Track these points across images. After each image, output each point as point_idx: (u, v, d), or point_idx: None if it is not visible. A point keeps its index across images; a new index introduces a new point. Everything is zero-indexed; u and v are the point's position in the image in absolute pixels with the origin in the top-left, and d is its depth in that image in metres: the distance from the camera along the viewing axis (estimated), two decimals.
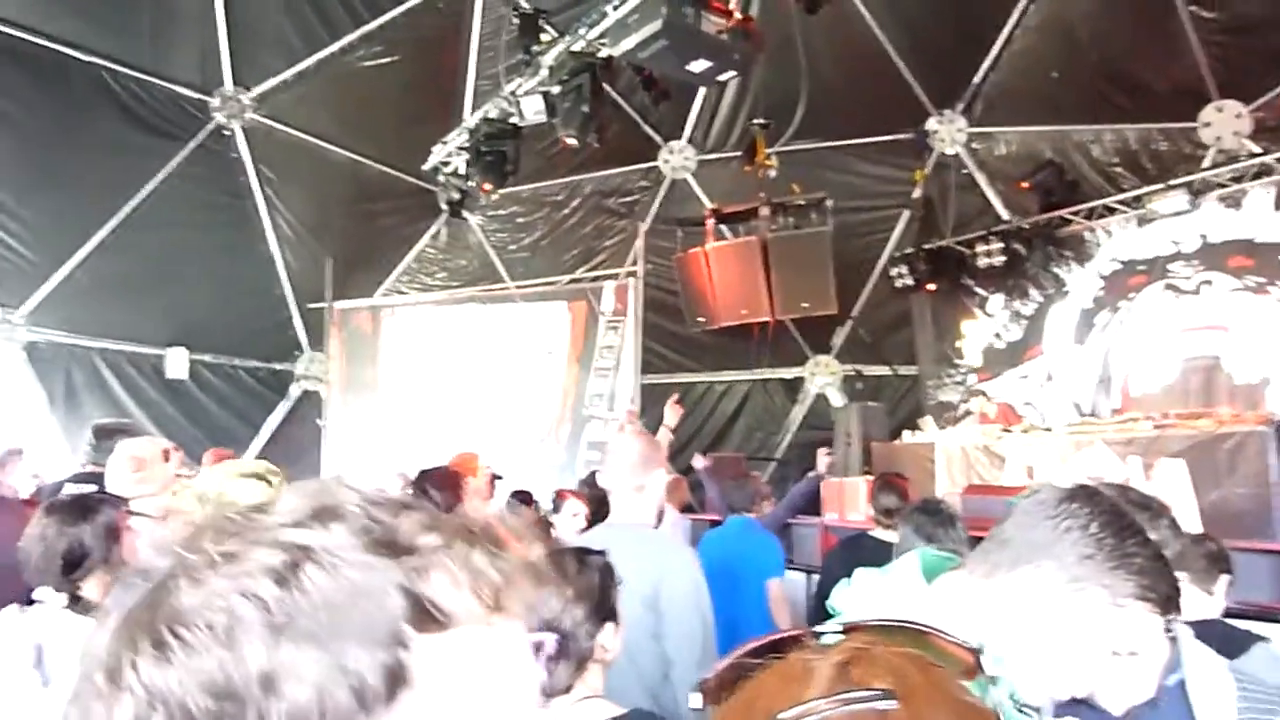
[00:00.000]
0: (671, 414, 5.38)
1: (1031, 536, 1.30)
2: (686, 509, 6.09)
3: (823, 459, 7.75)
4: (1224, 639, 2.04)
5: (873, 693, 0.61)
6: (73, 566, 2.29)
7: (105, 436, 4.25)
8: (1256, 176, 8.65)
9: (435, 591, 0.57)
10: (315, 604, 0.53)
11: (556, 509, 4.27)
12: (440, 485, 3.96)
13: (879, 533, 4.37)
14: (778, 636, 0.74)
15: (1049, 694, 1.28)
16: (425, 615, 0.55)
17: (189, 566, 0.55)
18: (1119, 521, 1.28)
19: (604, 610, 1.98)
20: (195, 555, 0.56)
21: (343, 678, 0.51)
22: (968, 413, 10.35)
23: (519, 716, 0.61)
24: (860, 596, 1.47)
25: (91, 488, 3.87)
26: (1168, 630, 1.26)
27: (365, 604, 0.54)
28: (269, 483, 2.41)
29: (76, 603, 2.36)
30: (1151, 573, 1.25)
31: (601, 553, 2.14)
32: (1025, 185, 9.96)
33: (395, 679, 0.53)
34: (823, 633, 0.77)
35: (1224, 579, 2.79)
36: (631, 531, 2.82)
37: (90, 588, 2.40)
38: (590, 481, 5.75)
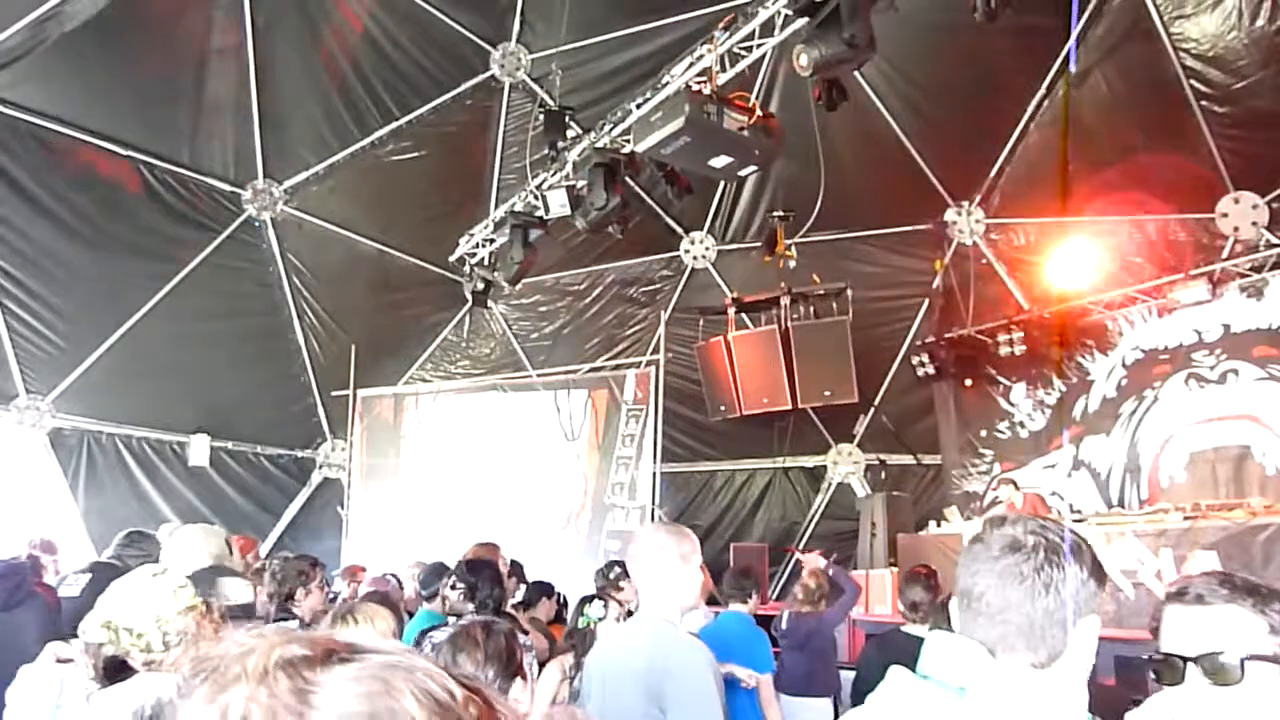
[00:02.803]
0: None
1: (1066, 595, 1.37)
2: (711, 601, 5.97)
3: (810, 558, 7.06)
4: None
5: None
6: (115, 671, 2.24)
7: (134, 537, 4.28)
8: (1276, 266, 8.69)
9: None
10: None
11: (601, 617, 4.18)
12: (492, 581, 4.03)
13: (910, 628, 4.28)
14: None
15: None
16: None
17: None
18: (1079, 550, 1.41)
19: (512, 668, 2.26)
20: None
21: None
22: (995, 502, 10.20)
23: None
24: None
25: (87, 575, 3.88)
26: None
27: None
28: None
29: None
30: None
31: (505, 618, 2.37)
32: None
33: None
34: None
35: None
36: (647, 625, 2.72)
37: None
38: (605, 572, 5.64)
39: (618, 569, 5.32)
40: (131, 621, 2.15)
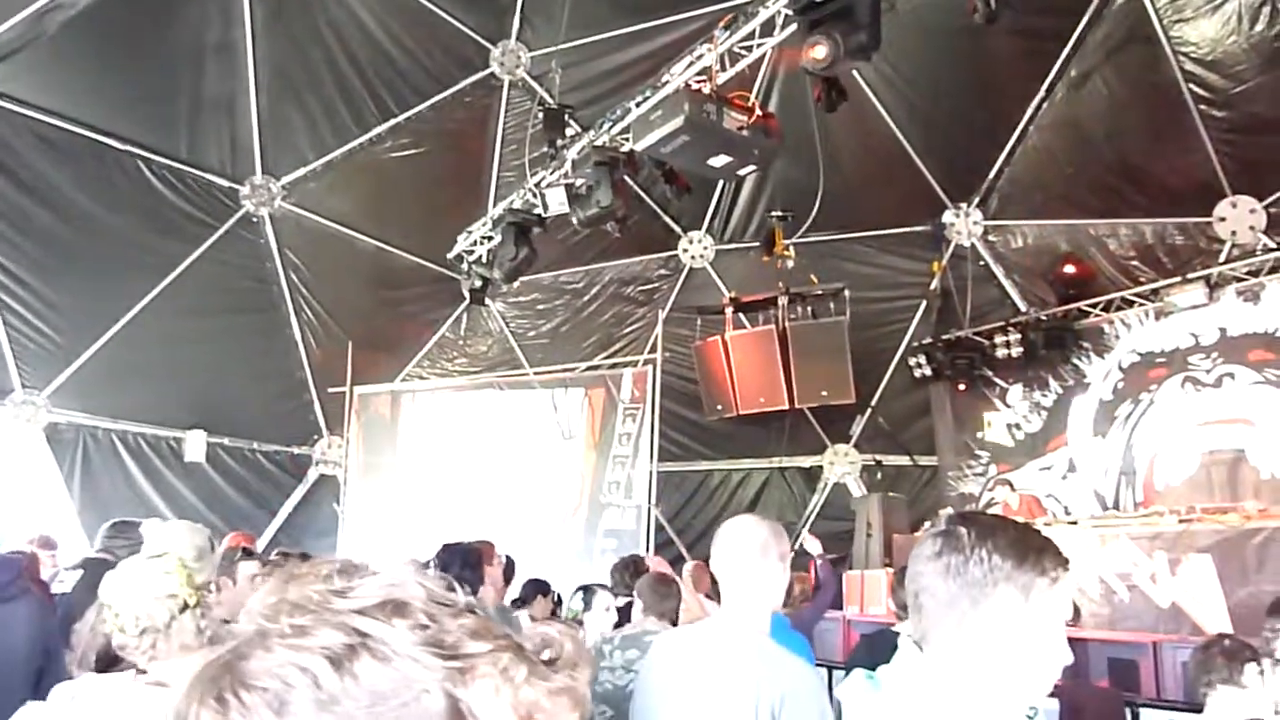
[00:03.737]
0: None
1: (967, 579, 1.37)
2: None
3: (810, 541, 7.24)
4: None
5: None
6: (109, 663, 2.23)
7: (119, 527, 4.26)
8: (1273, 271, 8.71)
9: (475, 697, 0.59)
10: (362, 689, 0.56)
11: (588, 605, 4.16)
12: (465, 562, 3.97)
13: (901, 627, 4.28)
14: None
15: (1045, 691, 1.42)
16: (459, 717, 0.58)
17: (265, 634, 0.60)
18: (993, 531, 1.40)
19: None
20: (273, 625, 0.60)
21: None
22: (990, 503, 10.22)
23: None
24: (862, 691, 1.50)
25: (79, 572, 3.87)
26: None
27: (406, 697, 0.57)
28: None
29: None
30: (1041, 543, 1.40)
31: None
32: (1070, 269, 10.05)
33: None
34: None
35: (1250, 667, 2.78)
36: (749, 642, 2.34)
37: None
38: (622, 567, 5.61)
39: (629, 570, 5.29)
40: (112, 599, 2.12)
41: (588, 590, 4.28)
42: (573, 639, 0.69)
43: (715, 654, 2.33)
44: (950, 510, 10.05)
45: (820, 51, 5.84)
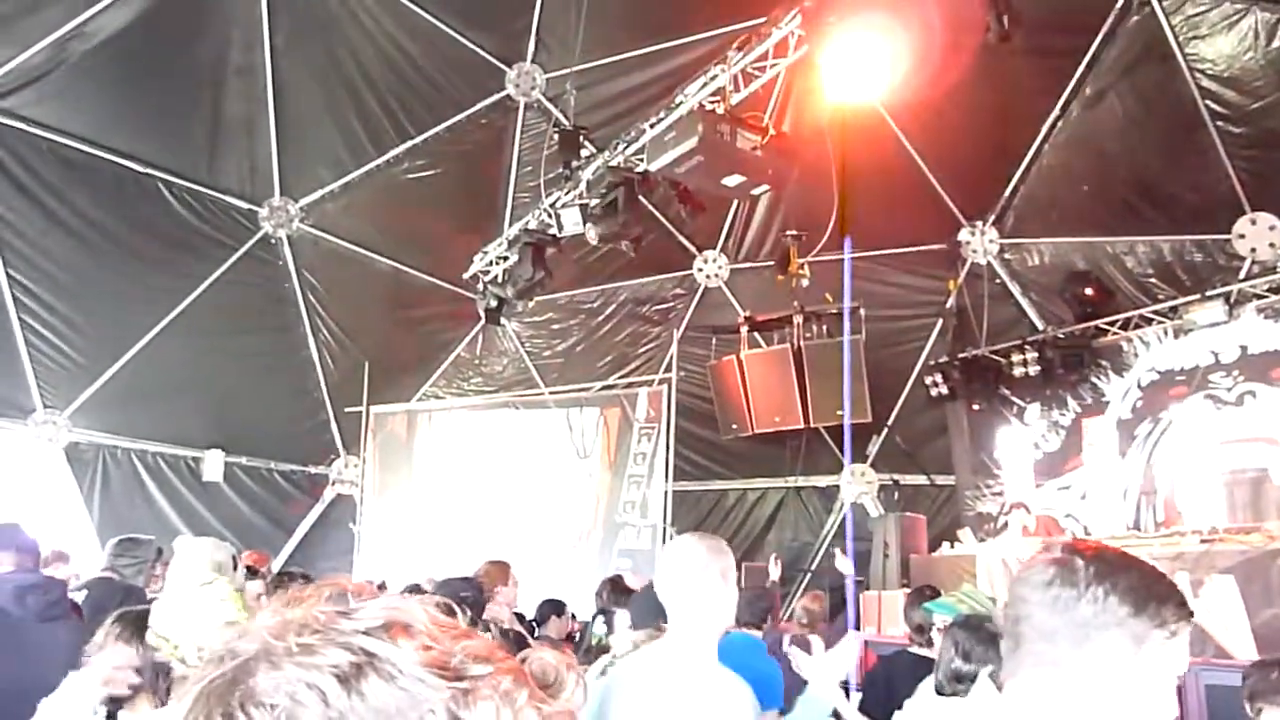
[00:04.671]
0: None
1: (1075, 617, 1.29)
2: None
3: (843, 561, 7.27)
4: None
5: None
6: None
7: (123, 544, 4.28)
8: None
9: (477, 718, 0.61)
10: (369, 707, 0.58)
11: (611, 629, 4.11)
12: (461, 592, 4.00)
13: (917, 649, 4.25)
14: None
15: None
16: None
17: (271, 651, 0.60)
18: (1114, 570, 1.30)
19: None
20: (279, 643, 0.61)
21: None
22: (1006, 525, 10.13)
23: None
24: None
25: (82, 593, 3.89)
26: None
27: (412, 717, 0.59)
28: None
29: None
30: (1165, 592, 1.30)
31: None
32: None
33: None
34: None
35: None
36: (691, 668, 2.30)
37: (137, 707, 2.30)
38: (613, 583, 5.62)
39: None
40: (169, 630, 2.11)
41: (609, 614, 4.26)
42: (570, 666, 0.69)
43: (662, 680, 2.27)
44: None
45: None
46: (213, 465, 11.05)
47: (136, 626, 2.27)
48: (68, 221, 9.33)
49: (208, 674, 0.61)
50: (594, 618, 4.34)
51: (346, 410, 11.99)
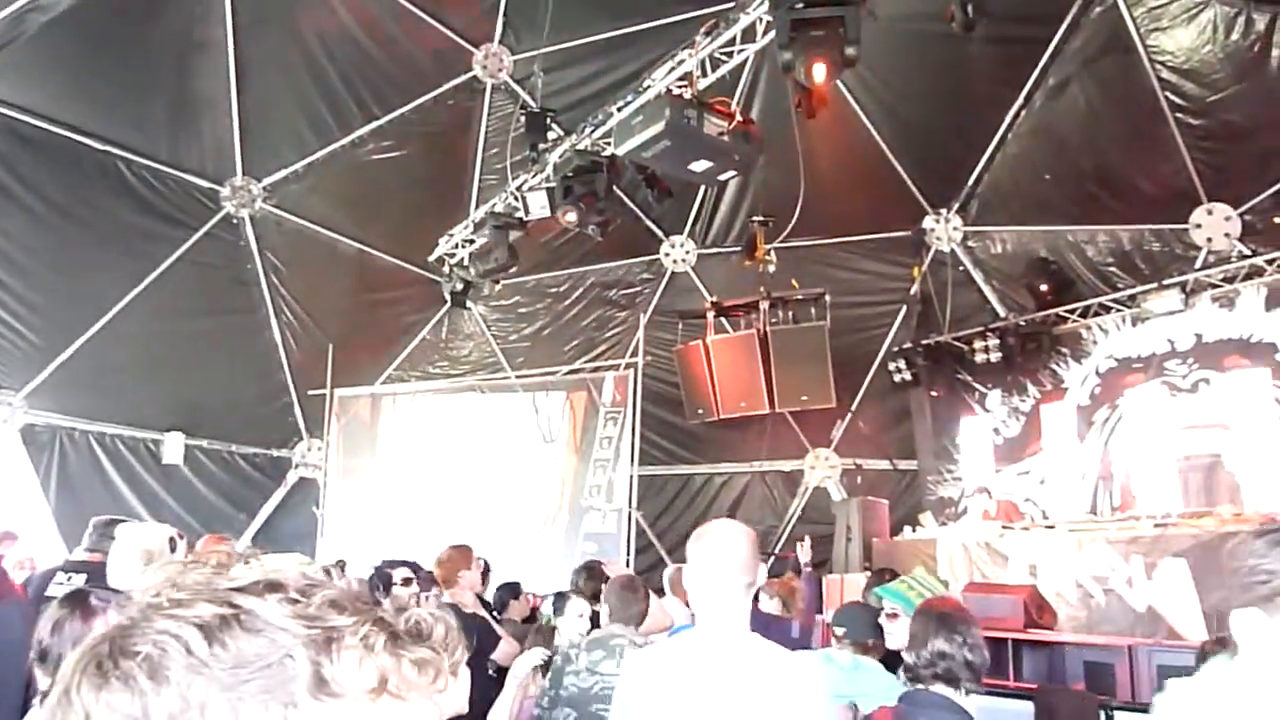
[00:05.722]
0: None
1: None
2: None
3: (804, 550, 7.53)
4: None
5: None
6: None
7: (107, 526, 4.22)
8: (1248, 277, 8.81)
9: (338, 667, 0.65)
10: (229, 654, 0.62)
11: (559, 610, 4.16)
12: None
13: None
14: None
15: None
16: (321, 685, 0.64)
17: (147, 608, 0.64)
18: None
19: None
20: (155, 600, 0.65)
21: None
22: (968, 508, 10.28)
23: None
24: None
25: (83, 576, 3.82)
26: None
27: (270, 659, 0.63)
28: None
29: None
30: None
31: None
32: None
33: None
34: None
35: None
36: (749, 642, 2.30)
37: None
38: (589, 569, 5.63)
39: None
40: None
41: (560, 597, 4.29)
42: (445, 623, 0.75)
43: (731, 660, 2.23)
44: (928, 513, 10.14)
45: (820, 73, 5.89)
46: (173, 448, 10.90)
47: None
48: (23, 199, 9.10)
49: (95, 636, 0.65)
50: (548, 600, 4.38)
51: (310, 393, 11.86)
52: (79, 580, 3.80)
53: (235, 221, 10.66)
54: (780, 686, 2.17)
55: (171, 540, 3.41)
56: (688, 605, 5.91)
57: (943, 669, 2.62)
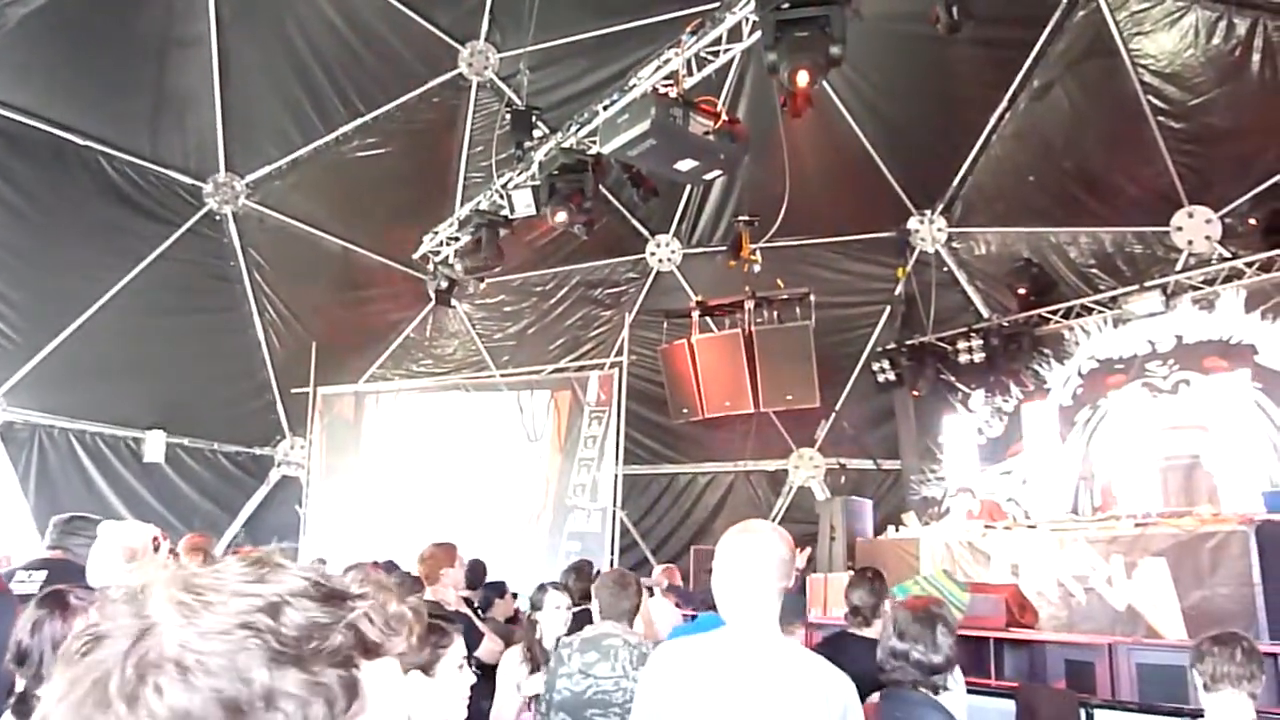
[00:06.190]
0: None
1: None
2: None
3: (801, 558, 7.57)
4: None
5: None
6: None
7: (68, 523, 4.17)
8: (1228, 280, 8.88)
9: (368, 630, 0.73)
10: (295, 636, 0.66)
11: (537, 604, 4.15)
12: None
13: (854, 630, 4.30)
14: None
15: None
16: (364, 646, 0.72)
17: (182, 606, 0.66)
18: None
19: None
20: (183, 598, 0.66)
21: (320, 690, 0.66)
22: (950, 508, 10.32)
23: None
24: None
25: (44, 574, 3.79)
26: None
27: (330, 636, 0.69)
28: None
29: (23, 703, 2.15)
30: None
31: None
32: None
33: (351, 691, 0.69)
34: None
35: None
36: (786, 646, 2.31)
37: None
38: (577, 569, 5.64)
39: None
40: None
41: (540, 589, 4.27)
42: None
43: (771, 664, 2.22)
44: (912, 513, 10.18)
45: (805, 74, 5.90)
46: (154, 446, 10.83)
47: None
48: (3, 194, 9.03)
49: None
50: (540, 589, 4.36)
51: (293, 391, 11.80)
52: (39, 577, 3.75)
53: (218, 218, 10.59)
54: (811, 690, 2.16)
55: (155, 540, 3.38)
56: (678, 607, 5.93)
57: (893, 667, 2.66)
